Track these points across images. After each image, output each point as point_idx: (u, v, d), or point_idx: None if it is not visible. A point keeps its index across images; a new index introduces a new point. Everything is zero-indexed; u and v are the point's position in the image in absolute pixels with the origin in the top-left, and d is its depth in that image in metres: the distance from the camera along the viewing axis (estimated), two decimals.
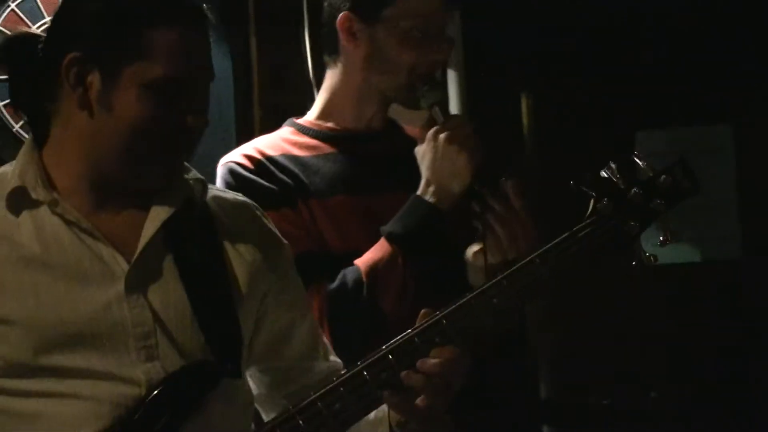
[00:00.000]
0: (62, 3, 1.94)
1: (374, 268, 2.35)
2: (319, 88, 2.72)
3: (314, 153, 2.49)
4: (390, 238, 2.37)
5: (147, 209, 1.90)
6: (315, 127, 2.54)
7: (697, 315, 3.93)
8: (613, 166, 2.05)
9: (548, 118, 4.11)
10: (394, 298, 2.35)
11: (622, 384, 3.91)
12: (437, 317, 1.96)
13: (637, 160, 2.06)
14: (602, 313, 3.92)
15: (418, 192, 2.40)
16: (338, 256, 2.40)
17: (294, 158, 2.47)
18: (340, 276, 2.35)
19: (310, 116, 2.57)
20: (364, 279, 2.34)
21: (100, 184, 1.89)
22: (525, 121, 4.15)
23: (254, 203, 2.11)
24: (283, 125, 2.59)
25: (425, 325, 1.96)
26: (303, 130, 2.54)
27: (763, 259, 3.92)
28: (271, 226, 2.10)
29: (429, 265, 2.39)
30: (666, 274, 3.76)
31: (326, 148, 2.50)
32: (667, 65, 3.95)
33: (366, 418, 1.97)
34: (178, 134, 1.87)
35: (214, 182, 2.51)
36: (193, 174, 1.99)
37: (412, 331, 1.96)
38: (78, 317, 1.83)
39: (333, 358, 2.13)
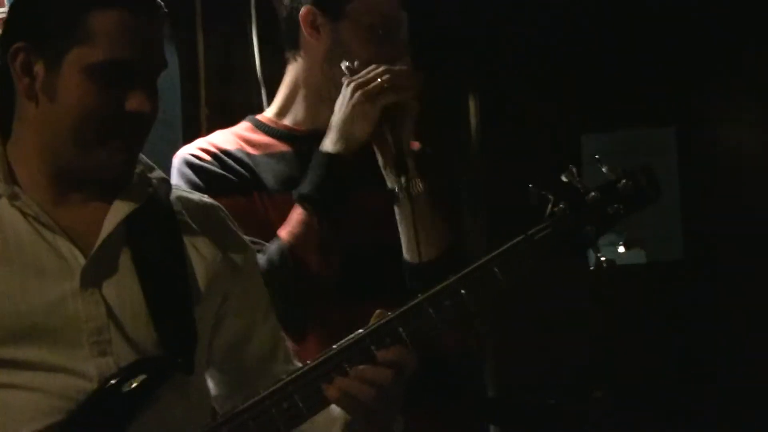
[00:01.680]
0: None
1: (292, 233, 2.36)
2: (266, 85, 2.71)
3: (267, 151, 2.50)
4: (300, 200, 2.38)
5: (109, 205, 1.89)
6: (271, 124, 2.55)
7: (641, 315, 3.96)
8: (573, 170, 2.04)
9: (495, 118, 4.12)
10: (319, 256, 2.36)
11: (567, 384, 3.93)
12: (389, 317, 1.96)
13: (600, 165, 2.05)
14: (548, 312, 3.93)
15: (321, 145, 2.41)
16: None
17: (247, 155, 2.48)
18: (266, 249, 2.36)
19: (269, 113, 2.58)
20: (286, 245, 2.35)
21: (59, 176, 1.88)
22: (472, 121, 4.16)
23: (219, 206, 2.10)
24: (242, 121, 2.59)
25: (376, 325, 1.95)
26: (259, 126, 2.55)
27: (705, 259, 3.95)
28: (236, 228, 2.09)
29: (353, 210, 2.41)
30: (614, 275, 3.80)
31: (280, 146, 2.51)
32: (612, 68, 3.98)
33: (320, 417, 1.96)
34: (123, 120, 1.84)
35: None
36: (157, 173, 1.98)
37: (364, 330, 1.95)
38: (32, 310, 1.82)
39: (295, 362, 2.12)
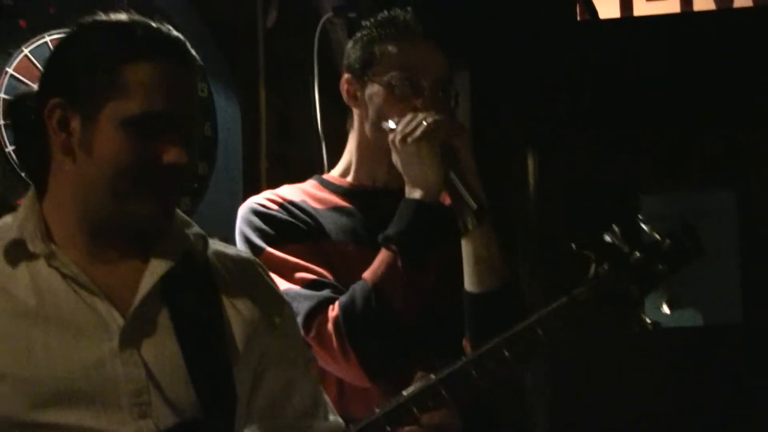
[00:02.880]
0: (49, 54, 1.95)
1: (377, 274, 2.39)
2: (327, 140, 2.76)
3: (331, 206, 2.55)
4: (385, 242, 2.42)
5: (145, 262, 1.88)
6: (336, 182, 2.60)
7: (698, 378, 3.91)
8: (616, 229, 2.03)
9: (553, 174, 4.12)
10: (403, 299, 2.38)
11: None
12: (432, 381, 1.96)
13: (642, 225, 2.05)
14: (602, 375, 3.90)
15: (406, 195, 2.45)
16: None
17: (312, 208, 2.53)
18: (350, 290, 2.40)
19: (335, 172, 2.64)
20: (370, 286, 2.38)
21: (96, 232, 1.87)
22: (530, 178, 4.16)
23: (257, 260, 2.10)
24: (309, 179, 2.65)
25: (420, 388, 1.95)
26: (324, 183, 2.61)
27: (764, 324, 3.91)
28: (273, 283, 2.09)
29: (434, 258, 2.45)
30: (668, 338, 3.76)
31: (343, 202, 2.56)
32: (674, 127, 3.97)
33: None
34: (160, 171, 1.83)
35: (224, 230, 2.54)
36: (195, 229, 1.97)
37: (407, 393, 1.95)
38: (71, 373, 1.80)
39: (333, 417, 2.11)
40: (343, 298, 2.39)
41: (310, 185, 2.62)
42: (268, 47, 3.59)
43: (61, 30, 3.10)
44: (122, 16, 1.90)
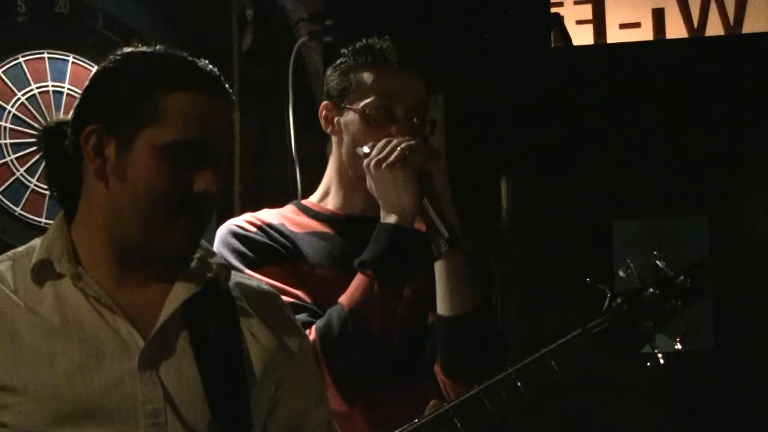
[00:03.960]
0: (87, 81, 1.98)
1: (353, 299, 2.42)
2: (300, 164, 2.77)
3: (309, 230, 2.57)
4: (361, 267, 2.44)
5: (170, 287, 1.92)
6: (314, 208, 2.63)
7: (669, 404, 3.91)
8: (631, 265, 2.05)
9: (527, 201, 4.12)
10: (380, 323, 2.41)
11: None
12: (445, 408, 1.97)
13: (657, 261, 2.07)
14: (580, 397, 3.89)
15: (381, 220, 2.47)
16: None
17: (290, 231, 2.55)
18: (326, 314, 2.42)
19: (313, 198, 2.67)
20: (347, 311, 2.40)
21: (123, 256, 1.91)
22: (504, 204, 4.16)
23: (276, 293, 2.14)
24: (287, 205, 2.67)
25: (433, 416, 1.96)
26: (302, 209, 2.64)
27: (736, 350, 3.91)
28: (292, 315, 2.13)
29: (409, 281, 2.48)
30: (642, 364, 3.76)
31: (321, 228, 2.59)
32: (646, 154, 3.98)
33: None
34: (191, 199, 1.88)
35: None
36: (217, 259, 2.02)
37: (419, 421, 1.96)
38: (90, 390, 1.84)
39: None
40: (320, 323, 2.40)
41: (289, 210, 2.64)
42: (243, 70, 3.60)
43: (34, 51, 3.10)
44: (160, 48, 1.98)
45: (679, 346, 2.05)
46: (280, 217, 2.60)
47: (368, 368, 2.40)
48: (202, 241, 2.00)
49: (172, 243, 1.90)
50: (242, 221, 2.56)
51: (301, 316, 2.40)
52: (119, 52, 1.97)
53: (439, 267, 2.47)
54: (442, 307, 2.47)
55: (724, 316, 3.94)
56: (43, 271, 1.90)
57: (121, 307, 1.89)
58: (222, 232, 2.55)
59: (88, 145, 1.89)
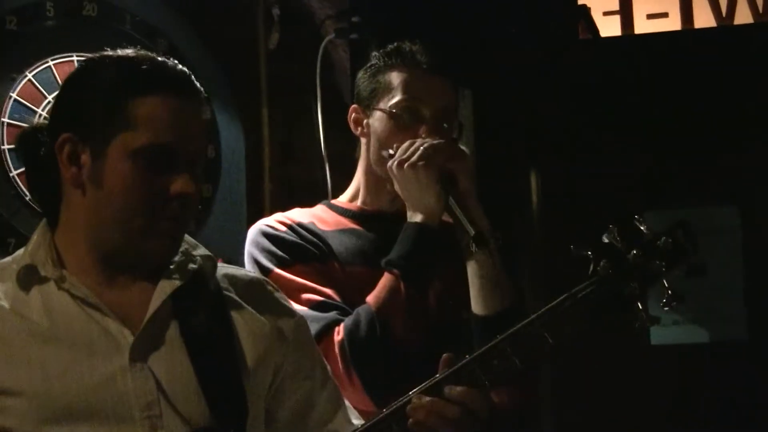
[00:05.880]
0: (59, 89, 1.99)
1: (380, 298, 2.43)
2: (330, 162, 2.78)
3: (338, 228, 2.59)
4: (388, 267, 2.45)
5: (155, 284, 1.93)
6: (343, 206, 2.65)
7: (703, 394, 3.91)
8: (614, 229, 2.06)
9: (556, 195, 4.13)
10: (405, 322, 2.42)
11: None
12: (437, 379, 1.99)
13: (639, 224, 2.07)
14: (609, 390, 3.90)
15: (407, 219, 2.48)
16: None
17: (320, 230, 2.57)
18: (354, 313, 2.43)
19: (343, 197, 2.69)
20: (374, 310, 2.41)
21: (106, 260, 1.92)
22: (533, 197, 4.17)
23: (267, 279, 2.15)
24: (317, 204, 2.69)
25: (426, 387, 1.99)
26: (332, 207, 2.66)
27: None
28: (284, 300, 2.13)
29: (439, 279, 2.49)
30: (674, 354, 3.77)
31: (351, 224, 2.61)
32: (677, 145, 3.98)
33: None
34: (168, 202, 1.88)
35: (228, 253, 2.56)
36: (202, 251, 2.02)
37: (413, 392, 2.00)
38: (83, 389, 1.84)
39: (357, 421, 2.15)
40: (348, 322, 2.41)
41: (319, 209, 2.66)
42: (270, 69, 3.61)
43: (63, 54, 3.13)
44: (129, 51, 1.96)
45: (666, 308, 2.05)
46: (311, 216, 2.62)
47: (395, 369, 2.40)
48: (186, 236, 2.00)
49: (153, 247, 1.90)
50: (273, 221, 2.58)
51: (331, 314, 2.42)
52: (88, 59, 1.97)
53: (470, 266, 2.48)
54: (475, 306, 2.48)
55: (756, 305, 3.94)
56: (29, 277, 1.90)
57: (108, 306, 1.89)
58: (253, 231, 2.57)
59: (63, 154, 1.89)
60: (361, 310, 2.42)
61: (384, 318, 2.40)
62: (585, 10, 3.85)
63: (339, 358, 2.38)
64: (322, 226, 2.58)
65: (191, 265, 1.97)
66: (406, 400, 1.99)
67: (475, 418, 1.97)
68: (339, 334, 2.40)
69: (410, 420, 1.97)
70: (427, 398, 1.98)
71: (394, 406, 1.99)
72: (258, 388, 1.99)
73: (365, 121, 2.60)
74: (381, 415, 1.99)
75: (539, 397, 3.68)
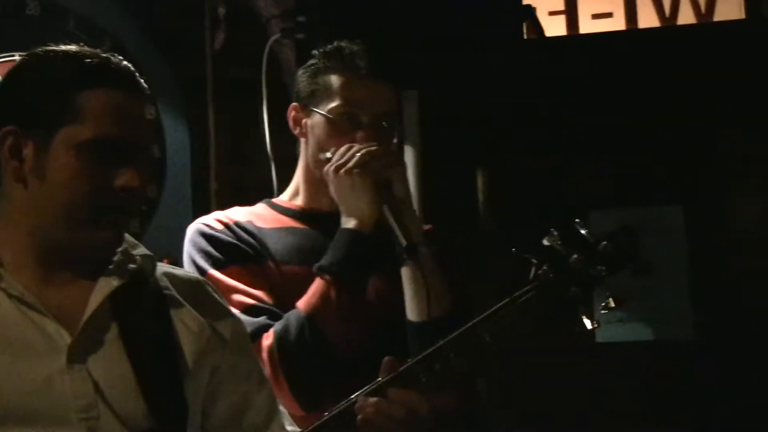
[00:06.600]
0: (1, 82, 1.98)
1: (310, 303, 2.43)
2: (276, 162, 2.78)
3: (277, 225, 2.58)
4: (319, 272, 2.45)
5: (94, 282, 1.92)
6: (283, 204, 2.65)
7: (649, 393, 3.94)
8: (555, 233, 2.07)
9: (503, 193, 4.14)
10: (335, 327, 2.42)
11: None
12: (378, 383, 2.01)
13: (580, 229, 2.09)
14: (553, 388, 3.92)
15: (342, 225, 2.49)
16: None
17: (257, 228, 2.56)
18: (284, 318, 2.43)
19: (284, 196, 2.69)
20: (304, 315, 2.41)
21: (47, 256, 1.91)
22: (480, 196, 4.18)
23: (205, 280, 2.15)
24: (258, 203, 2.69)
25: (364, 394, 2.01)
26: (273, 206, 2.66)
27: (713, 338, 3.95)
28: (223, 301, 2.13)
29: (368, 286, 2.50)
30: (618, 352, 3.79)
31: (290, 222, 2.60)
32: (622, 146, 4.01)
33: None
34: (113, 196, 1.88)
35: (173, 253, 2.56)
36: (141, 250, 2.02)
37: (355, 396, 2.01)
38: (19, 392, 1.82)
39: (290, 428, 2.18)
40: (278, 326, 2.41)
41: (260, 207, 2.67)
42: (217, 69, 3.61)
43: (5, 54, 3.11)
44: (73, 47, 1.95)
45: (604, 311, 2.07)
46: (250, 214, 2.61)
47: (325, 375, 2.41)
48: (126, 235, 2.00)
49: (96, 241, 1.90)
50: (211, 219, 2.58)
51: (261, 319, 2.42)
52: (31, 53, 1.96)
53: (403, 273, 2.49)
54: (410, 312, 2.49)
55: (701, 304, 3.98)
56: None
57: (46, 306, 1.88)
58: (191, 230, 2.57)
59: (4, 147, 1.89)
60: (291, 314, 2.42)
61: (314, 323, 2.40)
62: (530, 10, 3.88)
63: (267, 363, 2.38)
64: (260, 224, 2.57)
65: (131, 265, 1.97)
66: (351, 402, 2.00)
67: (419, 420, 1.99)
68: (268, 338, 2.40)
69: (359, 417, 1.98)
70: (373, 399, 1.99)
71: (338, 409, 2.00)
72: (196, 388, 1.99)
73: (304, 120, 2.60)
74: (324, 419, 2.00)
75: (483, 398, 3.69)
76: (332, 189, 2.51)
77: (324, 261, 2.46)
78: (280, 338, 2.40)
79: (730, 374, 3.90)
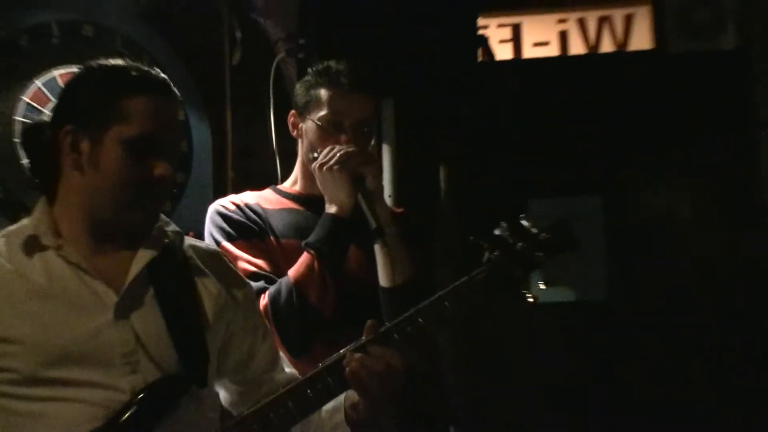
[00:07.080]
0: (61, 90, 2.00)
1: (298, 272, 2.44)
2: (280, 156, 2.81)
3: (279, 207, 2.61)
4: (306, 247, 2.47)
5: (135, 253, 1.94)
6: (285, 190, 2.67)
7: (571, 347, 3.96)
8: (504, 225, 2.11)
9: (460, 184, 4.16)
10: (318, 294, 2.43)
11: (502, 412, 3.89)
12: (358, 344, 1.99)
13: (524, 221, 2.12)
14: (491, 347, 3.92)
15: (325, 210, 2.50)
16: None
17: (263, 209, 2.58)
18: (277, 283, 2.45)
19: (287, 183, 2.70)
20: (292, 282, 2.42)
21: (96, 230, 1.92)
22: (443, 186, 4.20)
23: (222, 252, 2.16)
24: (266, 188, 2.70)
25: (347, 352, 1.99)
26: (277, 191, 2.68)
27: (624, 300, 3.98)
28: (236, 269, 2.15)
29: (350, 259, 2.50)
30: (546, 311, 3.80)
31: (290, 204, 2.63)
32: (553, 146, 4.04)
33: (325, 407, 2.03)
34: (150, 183, 1.89)
35: (197, 228, 2.59)
36: (172, 227, 2.03)
37: (339, 353, 2.00)
38: (75, 338, 1.85)
39: (288, 369, 2.18)
40: (272, 290, 2.43)
41: (267, 192, 2.68)
42: (233, 80, 3.63)
43: (65, 66, 3.13)
44: (120, 61, 1.96)
45: (543, 286, 2.08)
46: (258, 197, 2.62)
47: (308, 331, 2.42)
48: (161, 215, 2.01)
49: (136, 218, 1.90)
50: (227, 201, 2.59)
51: (260, 283, 2.43)
52: (86, 65, 1.96)
53: (375, 248, 2.51)
54: (382, 279, 2.51)
55: (615, 272, 4.01)
56: (32, 245, 1.90)
57: (97, 271, 1.89)
58: (210, 210, 2.59)
59: (66, 142, 1.89)
60: (283, 281, 2.44)
61: (300, 289, 2.41)
62: (484, 38, 3.91)
63: (263, 311, 2.38)
64: (266, 206, 2.59)
65: (164, 239, 1.98)
66: (339, 356, 1.99)
67: (396, 373, 1.99)
68: (264, 299, 2.42)
69: (347, 369, 1.97)
70: (357, 354, 1.99)
71: (329, 362, 1.99)
72: (215, 339, 2.01)
73: (300, 125, 2.62)
74: (318, 369, 1.99)
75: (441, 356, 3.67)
76: (318, 182, 2.53)
77: (310, 238, 2.48)
78: (273, 299, 2.42)
79: (637, 329, 3.93)
